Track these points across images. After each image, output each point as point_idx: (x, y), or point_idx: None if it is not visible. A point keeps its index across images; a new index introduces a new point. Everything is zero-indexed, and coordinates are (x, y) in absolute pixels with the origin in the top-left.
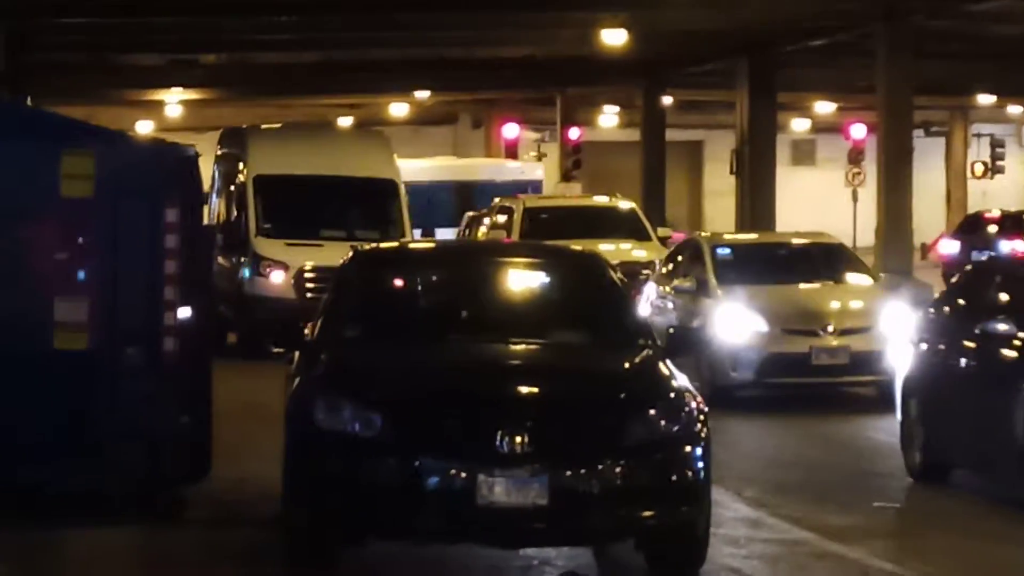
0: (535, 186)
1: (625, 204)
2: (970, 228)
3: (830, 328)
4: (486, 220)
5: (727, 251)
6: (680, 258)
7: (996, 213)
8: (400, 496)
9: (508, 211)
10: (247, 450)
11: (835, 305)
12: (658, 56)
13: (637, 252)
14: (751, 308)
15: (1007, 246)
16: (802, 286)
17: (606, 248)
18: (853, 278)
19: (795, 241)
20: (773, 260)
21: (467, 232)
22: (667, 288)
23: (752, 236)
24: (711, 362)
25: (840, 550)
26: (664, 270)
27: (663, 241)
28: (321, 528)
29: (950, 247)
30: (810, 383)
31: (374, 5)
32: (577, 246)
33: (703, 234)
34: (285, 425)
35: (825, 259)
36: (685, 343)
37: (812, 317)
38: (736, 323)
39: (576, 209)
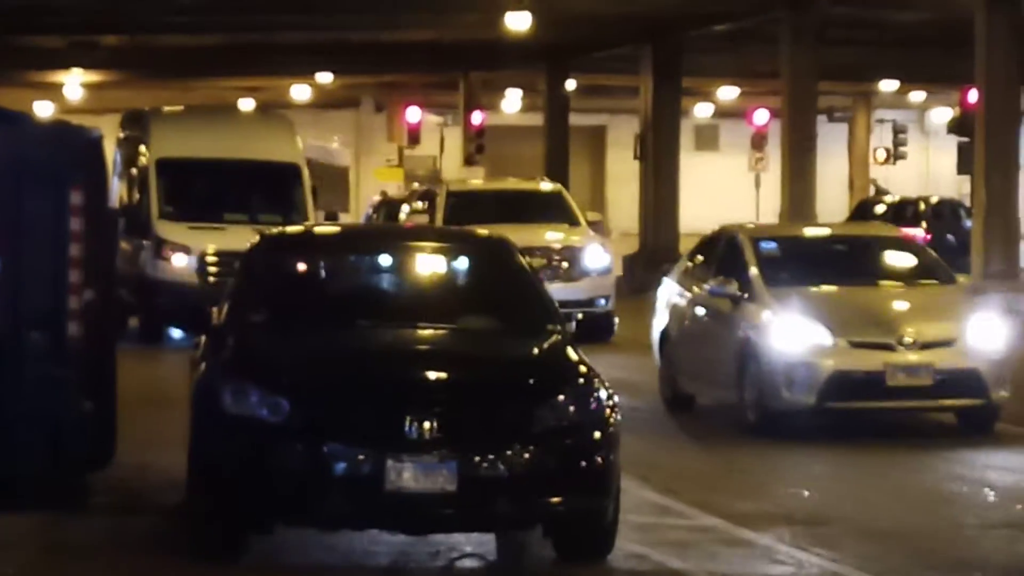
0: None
1: (551, 187)
2: (864, 214)
3: (908, 340)
4: (405, 205)
5: (773, 246)
6: (708, 254)
7: (889, 199)
8: (307, 482)
9: (430, 195)
10: (151, 436)
11: (913, 313)
12: (562, 40)
13: (570, 237)
14: (808, 316)
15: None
16: (870, 289)
17: (533, 233)
18: (928, 279)
19: (855, 234)
20: (830, 257)
21: (375, 217)
22: (695, 290)
23: (802, 228)
24: (759, 381)
25: (749, 536)
26: (685, 267)
27: (592, 226)
28: (227, 515)
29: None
30: (885, 408)
31: None
32: (507, 232)
33: (742, 225)
34: (191, 410)
35: (893, 256)
36: (595, 328)
37: (886, 327)
38: (791, 334)
39: (501, 193)
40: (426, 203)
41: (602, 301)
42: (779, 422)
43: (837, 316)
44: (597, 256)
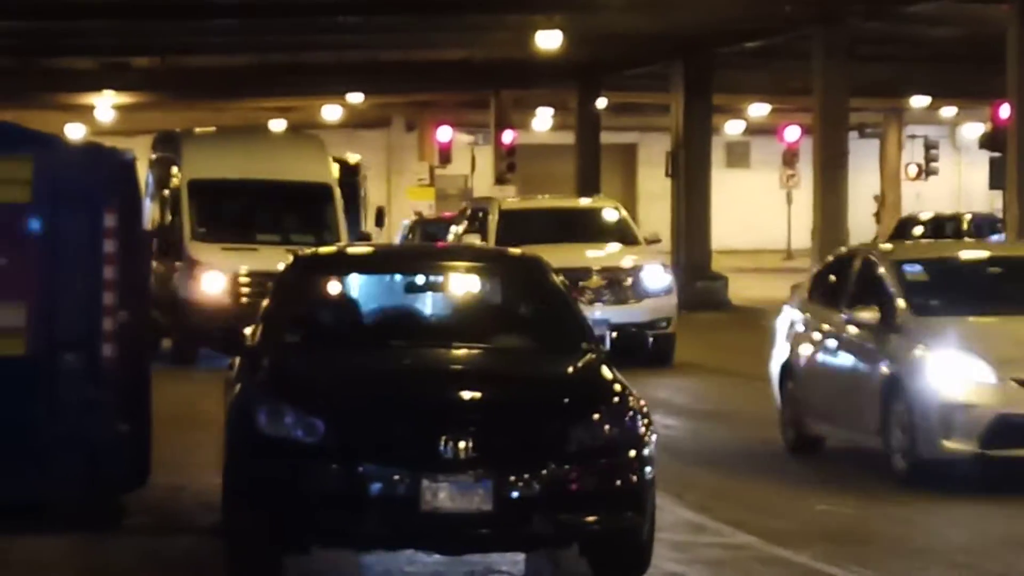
0: None
1: (608, 204)
2: (908, 231)
3: None
4: (454, 226)
5: (918, 269)
6: (839, 278)
7: (928, 215)
8: (343, 502)
9: (480, 214)
10: (185, 457)
11: None
12: (593, 58)
13: (629, 256)
14: (966, 350)
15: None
16: None
17: (593, 254)
18: None
19: (1017, 255)
20: (986, 282)
21: (411, 237)
22: (826, 319)
23: (952, 248)
24: (909, 426)
25: (784, 554)
26: (809, 293)
27: (651, 244)
28: (263, 535)
29: None
30: None
31: (307, 8)
32: (562, 252)
33: (879, 246)
34: (226, 431)
35: None
36: (655, 352)
37: None
38: (947, 372)
39: (555, 211)
40: (476, 222)
41: (663, 324)
42: (933, 472)
43: (999, 350)
44: (657, 276)
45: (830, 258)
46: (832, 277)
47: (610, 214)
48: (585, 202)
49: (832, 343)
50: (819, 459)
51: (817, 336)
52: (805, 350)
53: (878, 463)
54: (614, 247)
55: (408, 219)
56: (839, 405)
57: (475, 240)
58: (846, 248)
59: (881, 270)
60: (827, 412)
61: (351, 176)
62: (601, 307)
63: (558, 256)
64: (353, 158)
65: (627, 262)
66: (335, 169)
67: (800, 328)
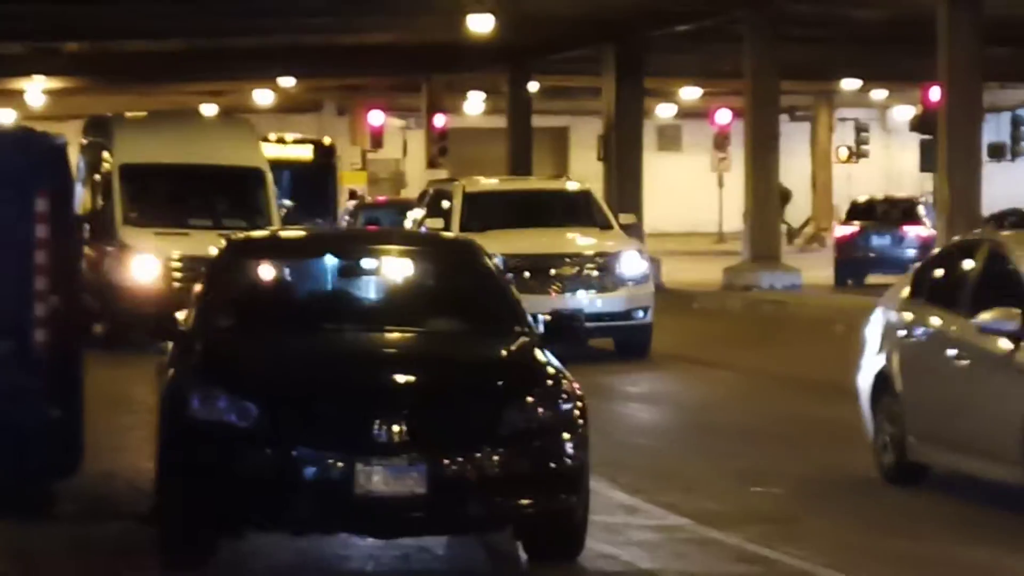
0: None
1: (579, 187)
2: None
3: None
4: (416, 210)
5: None
6: (955, 272)
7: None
8: (276, 486)
9: (443, 197)
10: (119, 443)
11: None
12: (524, 42)
13: (604, 242)
14: None
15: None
16: None
17: (565, 240)
18: None
19: None
20: None
21: (354, 222)
22: (942, 323)
23: None
24: None
25: (717, 536)
26: (912, 290)
27: (627, 229)
28: (196, 520)
29: (846, 230)
30: None
31: None
32: (533, 237)
33: (1006, 233)
34: (159, 416)
35: None
36: (563, 330)
37: None
38: None
39: (524, 194)
40: (437, 207)
41: (640, 313)
42: None
43: None
44: (634, 263)
45: (937, 250)
46: (944, 272)
47: (582, 196)
48: (555, 184)
49: (952, 352)
50: (931, 491)
51: (929, 344)
52: (911, 360)
53: (1014, 500)
54: (587, 232)
55: (351, 203)
56: (962, 428)
57: (437, 226)
58: (961, 237)
59: (1017, 265)
60: (942, 436)
61: (326, 158)
62: (575, 296)
63: (528, 242)
64: (327, 140)
65: (602, 248)
66: (310, 151)
67: (902, 333)
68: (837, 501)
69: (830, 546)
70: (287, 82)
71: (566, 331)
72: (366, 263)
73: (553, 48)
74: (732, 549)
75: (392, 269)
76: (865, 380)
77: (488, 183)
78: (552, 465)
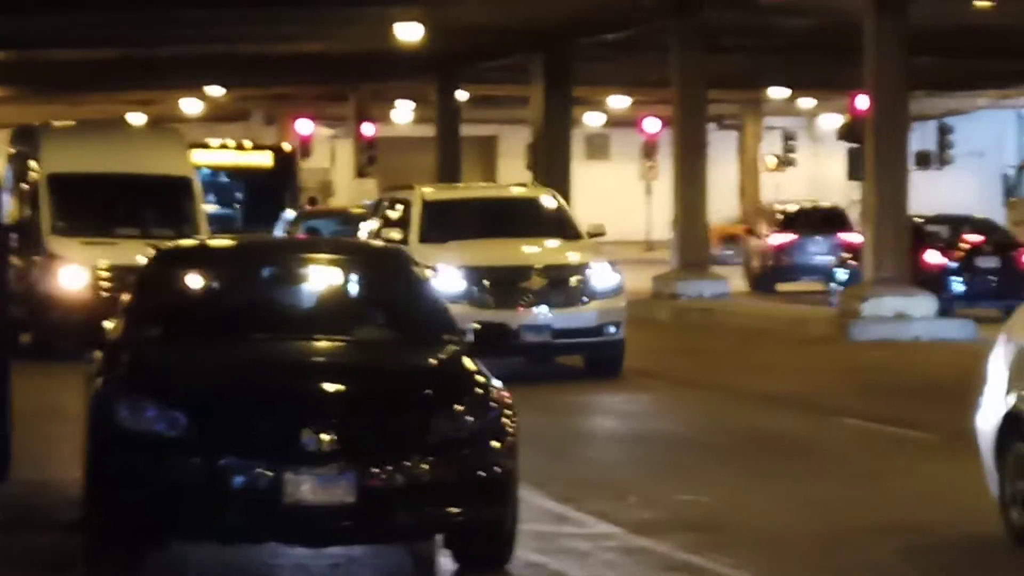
0: None
1: (545, 195)
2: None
3: None
4: (371, 221)
5: None
6: None
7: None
8: (204, 496)
9: (401, 205)
10: (47, 453)
11: None
12: (452, 51)
13: (571, 253)
14: None
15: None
16: None
17: (532, 250)
18: None
19: None
20: None
21: (293, 232)
22: None
23: None
24: None
25: (646, 544)
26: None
27: (594, 237)
28: (124, 530)
29: (782, 238)
30: None
31: (166, 2)
32: (497, 248)
33: None
34: (87, 425)
35: None
36: (492, 339)
37: None
38: None
39: (486, 202)
40: (398, 213)
41: (612, 329)
42: None
43: None
44: (605, 275)
45: None
46: None
47: (547, 203)
48: (518, 191)
49: None
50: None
51: None
52: None
53: None
54: (554, 242)
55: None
56: None
57: (395, 237)
58: None
59: None
60: None
61: (287, 164)
62: (543, 311)
63: (493, 253)
64: (287, 146)
65: (571, 259)
66: (270, 158)
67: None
68: (765, 506)
69: (757, 553)
70: (215, 91)
71: (495, 340)
72: (295, 272)
73: (481, 57)
74: (661, 557)
75: (321, 278)
76: (988, 423)
77: (449, 191)
78: (481, 474)
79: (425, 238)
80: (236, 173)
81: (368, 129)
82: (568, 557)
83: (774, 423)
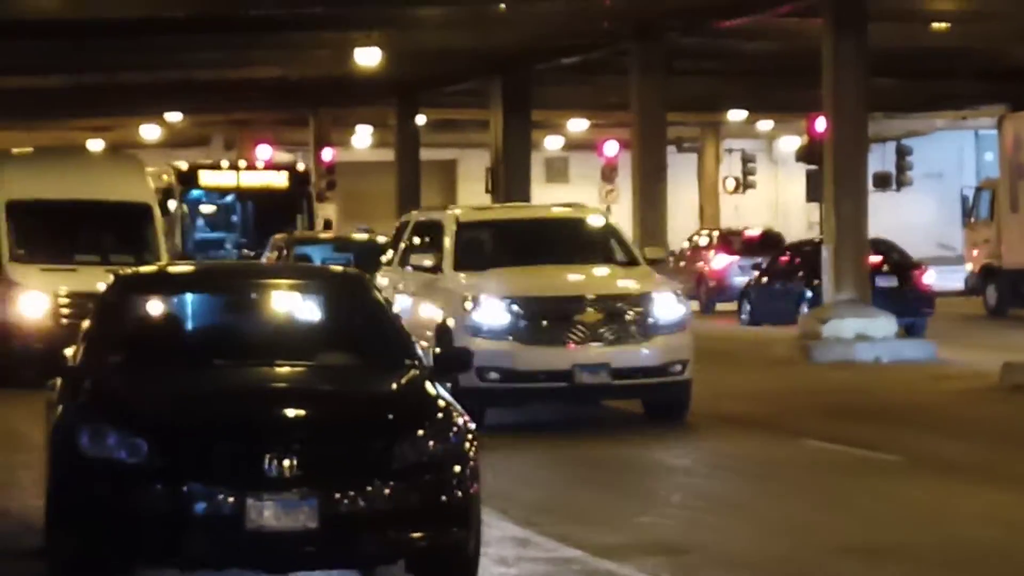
0: None
1: (594, 215)
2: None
3: None
4: (399, 246)
5: None
6: None
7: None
8: (167, 522)
9: (430, 230)
10: (8, 480)
11: None
12: (411, 75)
13: (632, 282)
14: None
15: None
16: None
17: (585, 278)
18: None
19: None
20: None
21: (278, 258)
22: None
23: None
24: None
25: (609, 567)
26: None
27: (653, 265)
28: (87, 557)
29: (722, 261)
30: None
31: (123, 29)
32: (547, 276)
33: None
34: (48, 453)
35: None
36: (452, 363)
37: None
38: None
39: (530, 224)
40: (423, 241)
41: (678, 367)
42: None
43: None
44: (670, 306)
45: None
46: None
47: (597, 224)
48: (563, 211)
49: None
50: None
51: None
52: None
53: None
54: (607, 268)
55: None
56: None
57: (426, 264)
58: None
59: None
60: None
61: (301, 184)
62: (599, 348)
63: (542, 282)
64: (300, 166)
65: (630, 287)
66: (284, 178)
67: None
68: (730, 529)
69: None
70: (174, 117)
71: (455, 364)
72: (256, 297)
73: (440, 81)
74: None
75: (281, 303)
76: None
77: (487, 212)
78: (443, 498)
79: (461, 265)
80: (247, 195)
81: (327, 154)
82: None
83: (737, 445)
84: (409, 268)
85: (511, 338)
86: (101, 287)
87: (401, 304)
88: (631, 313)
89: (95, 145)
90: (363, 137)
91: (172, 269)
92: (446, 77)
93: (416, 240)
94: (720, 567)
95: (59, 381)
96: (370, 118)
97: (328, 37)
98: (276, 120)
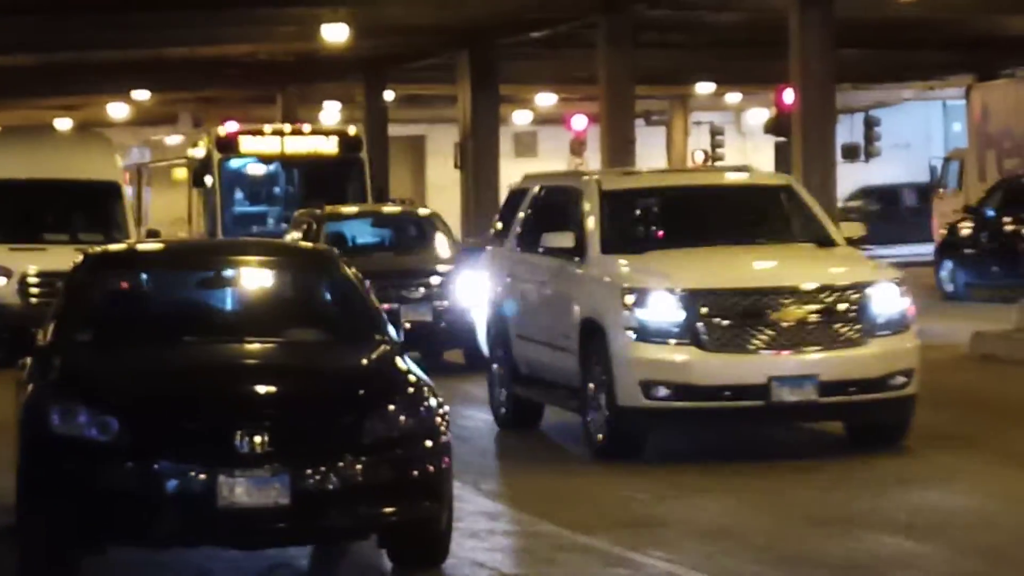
0: None
1: (779, 181)
2: None
3: None
4: (504, 221)
5: None
6: None
7: None
8: (138, 500)
9: (564, 200)
10: None
11: None
12: (378, 51)
13: (842, 269)
14: None
15: None
16: None
17: (780, 265)
18: None
19: None
20: None
21: (304, 238)
22: None
23: None
24: None
25: (583, 540)
26: None
27: (858, 244)
28: (58, 536)
29: None
30: None
31: (91, 6)
32: (730, 260)
33: None
34: (19, 432)
35: None
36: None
37: None
38: None
39: (696, 193)
40: (556, 215)
41: (901, 379)
42: None
43: None
44: (891, 300)
45: None
46: None
47: (780, 193)
48: (738, 177)
49: None
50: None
51: None
52: None
53: None
54: (806, 250)
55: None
56: None
57: (565, 244)
58: None
59: None
60: None
61: (353, 150)
62: (803, 355)
63: (724, 270)
64: (352, 129)
65: (839, 278)
66: (335, 143)
67: None
68: (709, 503)
69: (700, 546)
70: (141, 95)
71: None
72: (225, 274)
73: (408, 57)
74: (600, 553)
75: (251, 280)
76: None
77: (638, 177)
78: (414, 473)
79: (610, 247)
80: (294, 163)
81: None
82: (505, 555)
83: None
84: (542, 249)
85: (689, 343)
86: (70, 266)
87: (521, 296)
88: (843, 309)
89: (63, 124)
90: (331, 114)
91: (141, 247)
92: (413, 52)
93: (542, 214)
94: (697, 538)
95: (29, 360)
96: (338, 94)
97: (295, 13)
98: (244, 98)
